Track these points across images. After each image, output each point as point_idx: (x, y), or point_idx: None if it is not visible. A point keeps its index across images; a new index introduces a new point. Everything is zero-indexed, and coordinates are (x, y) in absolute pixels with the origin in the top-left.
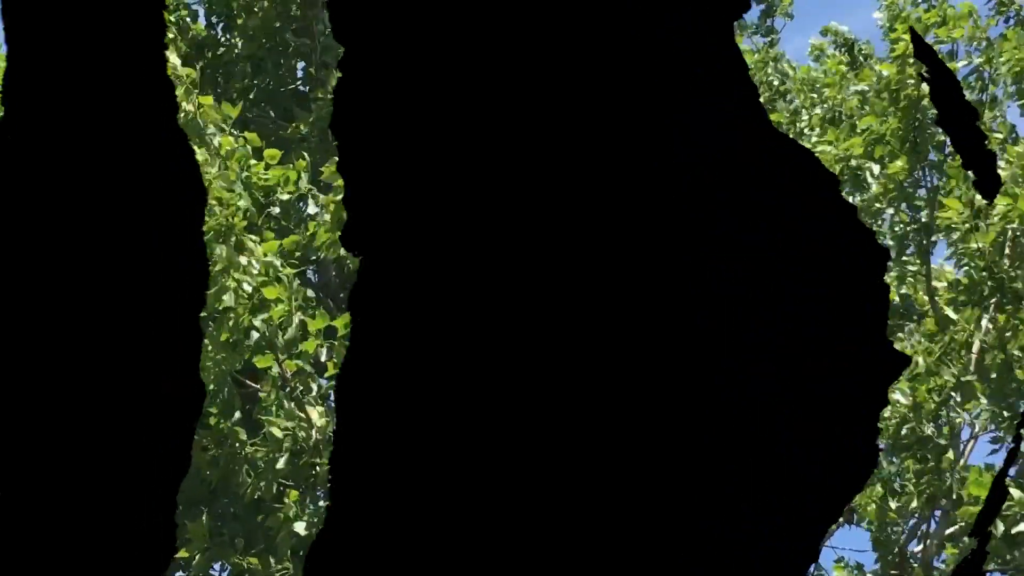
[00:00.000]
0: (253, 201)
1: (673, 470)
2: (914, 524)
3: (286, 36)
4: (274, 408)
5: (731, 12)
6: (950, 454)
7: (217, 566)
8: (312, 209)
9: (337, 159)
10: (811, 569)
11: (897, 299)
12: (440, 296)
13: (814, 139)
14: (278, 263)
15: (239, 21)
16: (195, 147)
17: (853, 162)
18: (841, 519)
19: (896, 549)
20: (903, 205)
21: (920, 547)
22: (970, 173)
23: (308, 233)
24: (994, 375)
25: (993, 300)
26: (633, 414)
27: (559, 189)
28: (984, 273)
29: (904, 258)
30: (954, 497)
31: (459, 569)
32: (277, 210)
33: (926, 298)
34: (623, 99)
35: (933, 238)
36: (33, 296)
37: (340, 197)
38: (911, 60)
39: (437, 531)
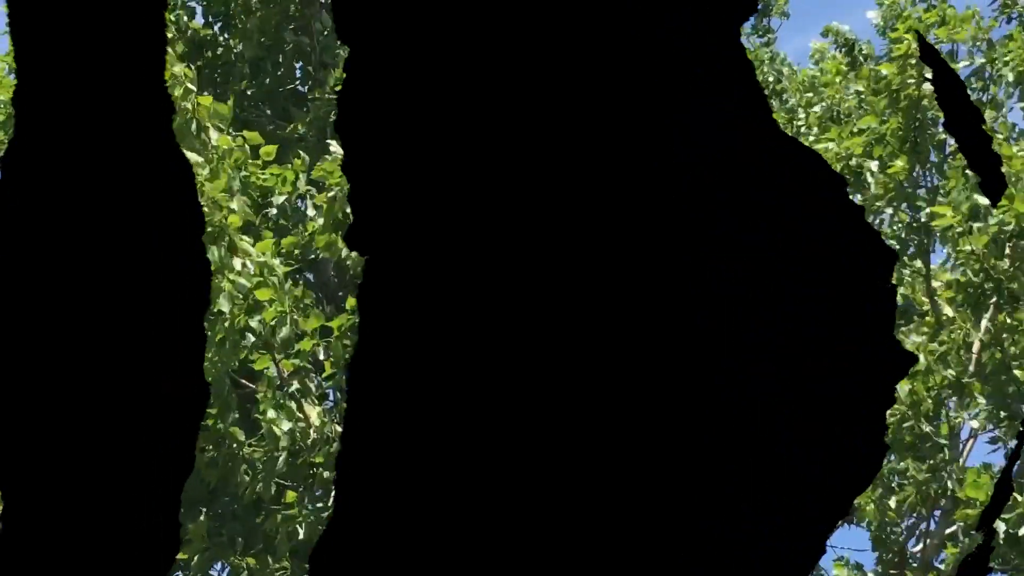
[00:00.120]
0: (251, 201)
1: (673, 470)
2: (913, 523)
3: (284, 35)
4: (272, 408)
5: (737, 14)
6: (945, 453)
7: (217, 566)
8: (311, 211)
9: (329, 158)
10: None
11: (900, 299)
12: (444, 294)
13: (811, 138)
14: (276, 262)
15: (238, 24)
16: (193, 147)
17: (853, 161)
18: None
19: (896, 548)
20: (903, 205)
21: (920, 546)
22: (969, 172)
23: (306, 233)
24: (992, 375)
25: (992, 301)
26: (633, 414)
27: (560, 189)
28: (981, 275)
29: (904, 258)
30: (949, 494)
31: (460, 566)
32: (274, 211)
33: (925, 299)
34: (623, 99)
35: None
36: (35, 297)
37: (332, 195)
38: (912, 60)
39: (439, 526)
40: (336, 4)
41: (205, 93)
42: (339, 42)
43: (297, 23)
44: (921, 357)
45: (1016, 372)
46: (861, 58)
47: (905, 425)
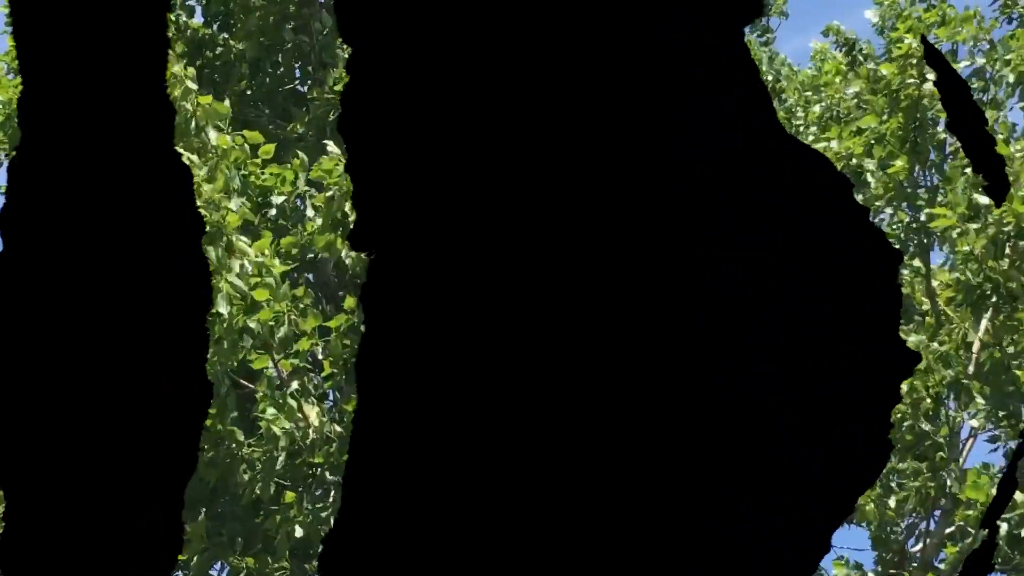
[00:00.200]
0: (250, 200)
1: (673, 470)
2: (913, 523)
3: (283, 35)
4: (271, 408)
5: (743, 17)
6: (944, 451)
7: (216, 566)
8: (310, 211)
9: (326, 157)
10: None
11: None
12: (446, 294)
13: (810, 138)
14: (276, 262)
15: (237, 23)
16: (191, 147)
17: (854, 161)
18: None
19: (895, 548)
20: (903, 205)
21: (919, 546)
22: (968, 171)
23: (306, 233)
24: (991, 374)
25: (991, 301)
26: (633, 413)
27: (562, 189)
28: (980, 277)
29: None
30: (948, 492)
31: (465, 563)
32: (273, 211)
33: (925, 298)
34: (623, 99)
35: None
36: (38, 298)
37: (330, 194)
38: (913, 60)
39: (443, 523)
40: (339, 4)
41: (203, 93)
42: (338, 41)
43: (296, 22)
44: (921, 355)
45: (1016, 372)
46: (861, 57)
47: (905, 424)
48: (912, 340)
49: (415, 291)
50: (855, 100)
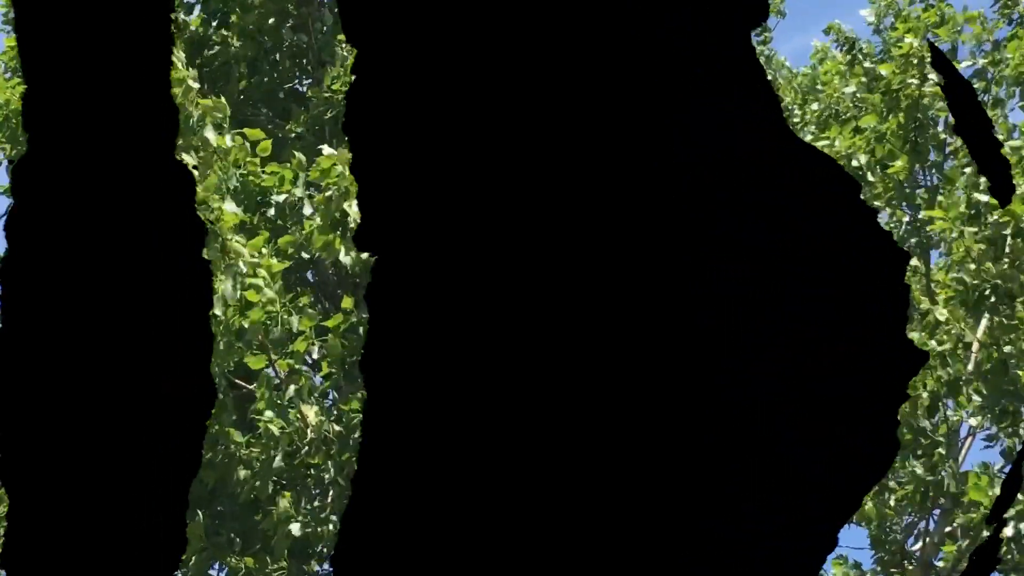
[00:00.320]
0: (249, 200)
1: (675, 470)
2: (912, 522)
3: (282, 34)
4: (269, 409)
5: (747, 20)
6: (942, 449)
7: (215, 566)
8: (307, 209)
9: (323, 157)
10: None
11: None
12: (451, 293)
13: (808, 137)
14: (274, 261)
15: (236, 22)
16: (189, 146)
17: (854, 162)
18: None
19: (894, 548)
20: (903, 204)
21: (919, 545)
22: (967, 171)
23: (304, 232)
24: (989, 375)
25: (990, 302)
26: (635, 413)
27: (565, 189)
28: (978, 278)
29: None
30: (946, 490)
31: (470, 561)
32: (272, 212)
33: (924, 297)
34: (623, 99)
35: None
36: (42, 298)
37: (328, 194)
38: (914, 60)
39: (450, 520)
40: (343, 5)
41: (201, 92)
42: (337, 40)
43: (295, 21)
44: None
45: (1018, 372)
46: (860, 56)
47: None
48: (911, 338)
49: (420, 290)
50: (853, 99)
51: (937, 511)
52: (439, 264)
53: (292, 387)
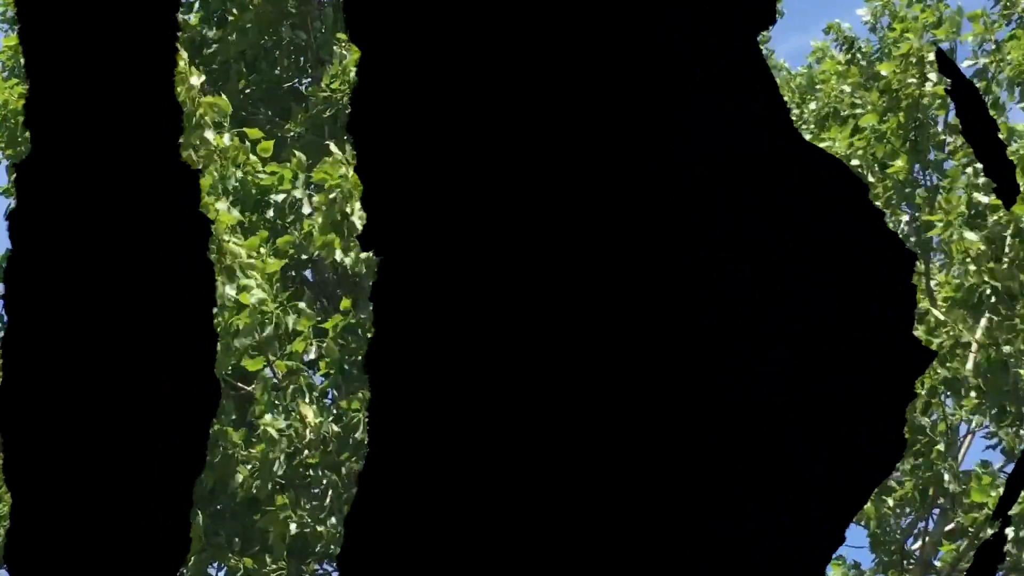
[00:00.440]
0: (248, 199)
1: (678, 469)
2: (911, 522)
3: (282, 32)
4: (267, 410)
5: (755, 23)
6: (941, 446)
7: (214, 566)
8: (307, 208)
9: (328, 160)
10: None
11: None
12: (455, 293)
13: (808, 137)
14: (272, 260)
15: (236, 21)
16: (188, 145)
17: (853, 161)
18: None
19: (893, 547)
20: (903, 204)
21: (918, 544)
22: (969, 170)
23: (303, 231)
24: (988, 375)
25: (990, 303)
26: (638, 413)
27: (565, 189)
28: (977, 279)
29: None
30: (947, 491)
31: (474, 559)
32: (271, 212)
33: (923, 296)
34: (624, 100)
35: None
36: (46, 298)
37: (332, 196)
38: (913, 60)
39: (456, 519)
40: (348, 6)
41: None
42: (336, 39)
43: (294, 20)
44: None
45: (1019, 371)
46: (859, 55)
47: None
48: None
49: (424, 290)
50: (851, 98)
51: (936, 511)
52: (443, 263)
53: (291, 386)
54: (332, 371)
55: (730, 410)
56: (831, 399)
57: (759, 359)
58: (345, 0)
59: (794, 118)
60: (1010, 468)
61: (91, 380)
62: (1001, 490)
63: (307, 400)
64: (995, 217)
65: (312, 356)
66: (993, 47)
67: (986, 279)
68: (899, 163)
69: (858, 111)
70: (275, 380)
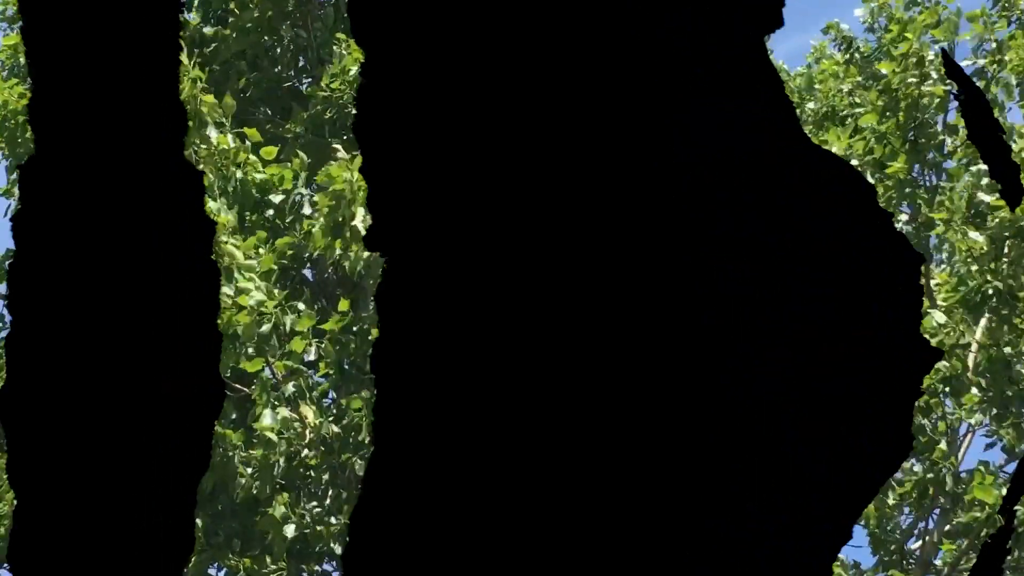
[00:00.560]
0: (248, 199)
1: (679, 469)
2: (912, 522)
3: (282, 32)
4: (266, 411)
5: (762, 26)
6: (943, 445)
7: (214, 567)
8: (307, 209)
9: (333, 164)
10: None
11: None
12: (460, 293)
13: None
14: (270, 260)
15: (235, 20)
16: (193, 147)
17: (853, 161)
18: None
19: (893, 547)
20: (903, 204)
21: (919, 544)
22: (972, 168)
23: (303, 231)
24: (989, 374)
25: (992, 303)
26: (639, 412)
27: (566, 190)
28: (980, 278)
29: None
30: (947, 489)
31: (476, 559)
32: (271, 211)
33: (925, 299)
34: (624, 99)
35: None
36: (51, 298)
37: (334, 201)
38: (913, 60)
39: (460, 518)
40: (352, 8)
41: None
42: (336, 38)
43: (294, 19)
44: None
45: (1020, 369)
46: (858, 55)
47: None
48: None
49: (428, 290)
50: (849, 98)
51: (936, 511)
52: (446, 264)
53: (290, 385)
54: (331, 372)
55: (730, 410)
56: (831, 399)
57: (759, 359)
58: (350, 2)
59: None
60: (1011, 467)
61: (95, 380)
62: (1003, 489)
63: (307, 400)
64: (997, 220)
65: (312, 357)
66: (993, 46)
67: (988, 278)
68: (898, 163)
69: (857, 111)
70: (274, 380)
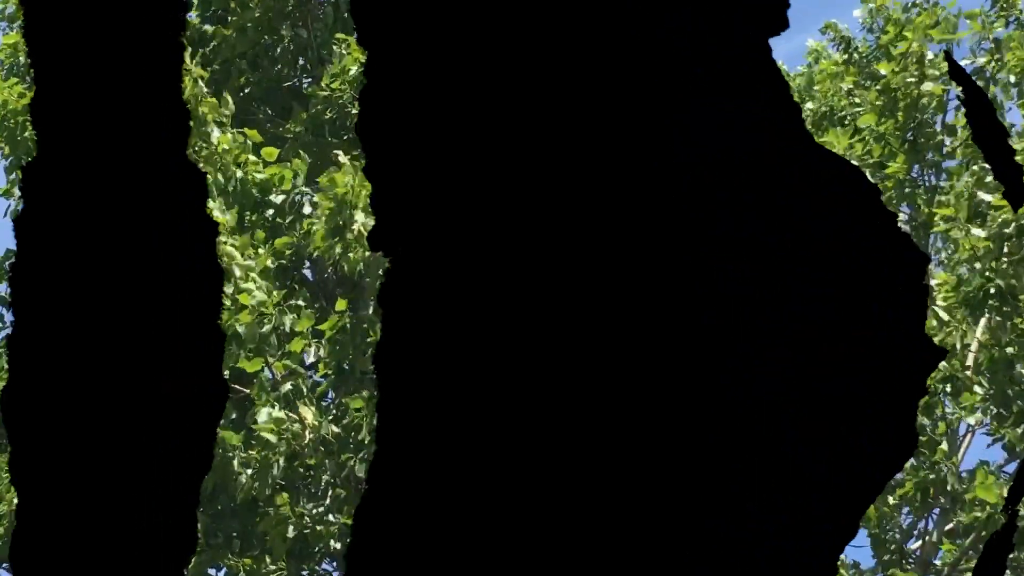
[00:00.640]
0: (248, 199)
1: (679, 469)
2: (912, 522)
3: (282, 31)
4: (265, 411)
5: (766, 27)
6: (944, 445)
7: (214, 567)
8: (307, 208)
9: (335, 169)
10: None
11: None
12: (463, 293)
13: None
14: (269, 260)
15: (235, 20)
16: (193, 147)
17: (852, 161)
18: None
19: (893, 547)
20: (902, 204)
21: (918, 543)
22: (973, 167)
23: (302, 231)
24: (990, 373)
25: (993, 303)
26: (640, 412)
27: (567, 190)
28: (982, 277)
29: None
30: (948, 491)
31: (477, 555)
32: (271, 211)
33: None
34: (624, 99)
35: (933, 229)
36: (53, 298)
37: (334, 204)
38: (913, 60)
39: (458, 521)
40: (355, 8)
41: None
42: (335, 38)
43: (294, 19)
44: None
45: (1021, 370)
46: (857, 55)
47: None
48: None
49: (431, 290)
50: (847, 98)
51: (936, 511)
52: (448, 264)
53: (289, 384)
54: (331, 372)
55: (730, 410)
56: (831, 399)
57: (759, 359)
58: (352, 2)
59: None
60: (1011, 467)
61: (97, 380)
62: (1004, 488)
63: (305, 400)
64: (999, 219)
65: (311, 358)
66: (991, 46)
67: (990, 277)
68: (897, 163)
69: (856, 110)
70: (273, 380)
